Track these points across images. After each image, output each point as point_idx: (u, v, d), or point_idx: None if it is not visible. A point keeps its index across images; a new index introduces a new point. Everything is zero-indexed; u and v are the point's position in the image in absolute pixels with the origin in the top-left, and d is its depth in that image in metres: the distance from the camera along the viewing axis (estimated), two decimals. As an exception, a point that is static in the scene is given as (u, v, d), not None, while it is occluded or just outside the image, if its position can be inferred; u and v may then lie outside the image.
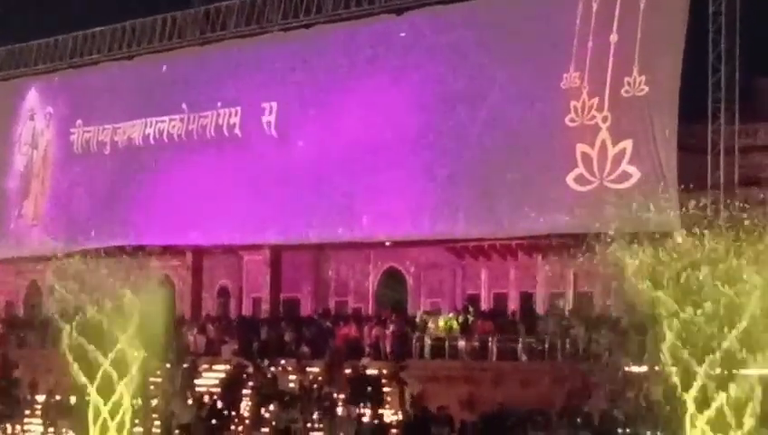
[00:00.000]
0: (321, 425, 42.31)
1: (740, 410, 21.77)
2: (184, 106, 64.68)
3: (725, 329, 21.77)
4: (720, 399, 21.68)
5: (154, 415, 43.72)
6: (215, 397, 49.29)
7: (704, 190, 47.80)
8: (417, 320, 54.06)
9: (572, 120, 51.55)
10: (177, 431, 42.93)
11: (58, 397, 46.80)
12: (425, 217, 54.84)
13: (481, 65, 53.56)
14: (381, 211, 55.57)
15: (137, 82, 66.92)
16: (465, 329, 51.05)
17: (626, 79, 50.54)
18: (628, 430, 33.72)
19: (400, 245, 59.36)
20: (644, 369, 31.31)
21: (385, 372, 48.20)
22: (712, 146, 49.08)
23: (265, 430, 43.61)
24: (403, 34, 56.76)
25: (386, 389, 46.87)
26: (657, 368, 24.30)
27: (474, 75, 53.56)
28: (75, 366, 32.68)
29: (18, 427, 50.29)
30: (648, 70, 49.83)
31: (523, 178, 51.80)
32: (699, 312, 21.98)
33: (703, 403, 21.61)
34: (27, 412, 50.96)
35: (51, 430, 48.03)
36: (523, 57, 52.74)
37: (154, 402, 42.94)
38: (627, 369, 36.58)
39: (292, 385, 48.97)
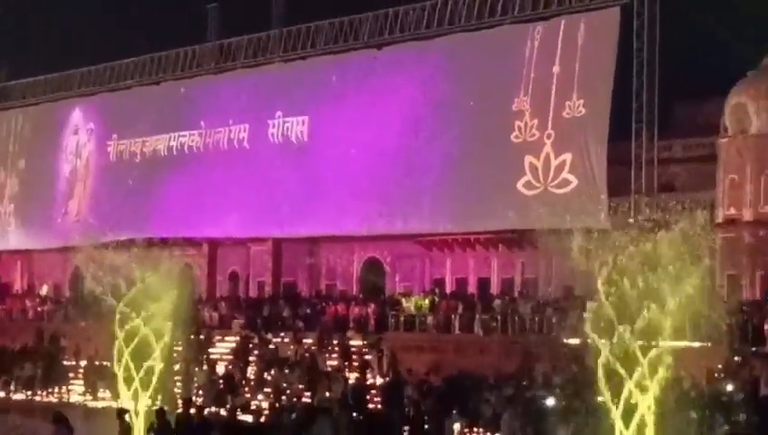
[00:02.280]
0: (315, 386, 42.21)
1: (653, 375, 21.87)
2: (202, 123, 64.85)
3: (645, 307, 21.85)
4: (642, 366, 21.74)
5: (176, 377, 43.65)
6: (226, 363, 49.33)
7: (628, 195, 48.26)
8: (393, 300, 54.24)
9: (516, 137, 51.93)
10: (194, 391, 42.85)
11: (97, 362, 46.63)
12: (398, 216, 55.15)
13: (446, 92, 53.71)
14: (363, 212, 55.80)
15: (162, 103, 66.93)
16: (432, 308, 51.16)
17: (567, 103, 50.82)
18: (566, 392, 33.65)
19: (379, 238, 59.45)
20: (578, 341, 31.34)
21: (366, 342, 48.27)
22: (635, 159, 49.44)
23: (268, 390, 43.48)
24: (380, 64, 57.10)
25: (367, 356, 46.90)
26: (588, 340, 24.31)
27: (440, 100, 53.73)
28: (119, 335, 32.69)
29: (64, 388, 50.14)
30: (586, 95, 50.06)
31: (480, 185, 52.11)
32: (621, 292, 22.03)
33: (629, 371, 21.65)
34: (71, 375, 50.77)
35: (90, 389, 47.90)
36: (480, 85, 52.93)
37: (176, 367, 42.82)
38: (563, 341, 36.62)
39: (289, 353, 48.93)
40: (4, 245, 77.51)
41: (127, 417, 29.13)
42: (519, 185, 51.63)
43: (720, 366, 36.96)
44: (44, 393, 50.24)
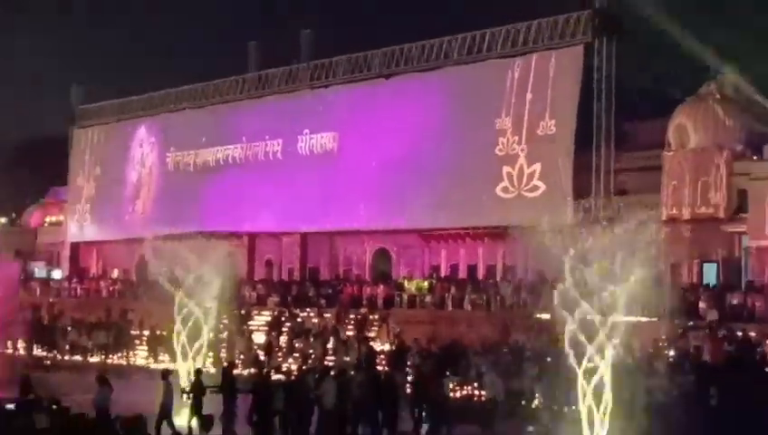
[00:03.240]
0: (337, 349, 42.35)
1: (609, 344, 22.03)
2: (243, 138, 64.93)
3: (603, 288, 21.98)
4: (600, 335, 21.89)
5: (222, 345, 43.80)
6: (262, 333, 49.44)
7: (590, 197, 48.40)
8: (398, 282, 54.34)
9: (500, 150, 52.17)
10: (236, 356, 42.97)
11: (157, 332, 46.79)
12: (403, 214, 55.32)
13: (443, 114, 53.89)
14: (374, 210, 56.00)
15: (211, 122, 66.97)
16: (430, 289, 51.26)
17: (540, 123, 51.13)
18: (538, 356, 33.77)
19: (386, 232, 59.52)
20: (548, 316, 31.42)
21: (376, 317, 48.32)
22: (595, 168, 49.51)
23: (296, 355, 43.62)
24: (388, 90, 57.31)
25: (376, 328, 47.02)
26: (557, 315, 24.41)
27: (438, 120, 53.86)
28: (176, 310, 32.86)
29: (131, 353, 50.34)
30: (556, 117, 50.33)
31: (469, 189, 52.38)
32: (584, 276, 22.16)
33: (589, 339, 21.79)
34: (137, 342, 50.95)
35: (152, 354, 48.07)
36: (470, 108, 53.12)
37: (223, 336, 42.98)
38: (536, 315, 36.69)
39: (314, 325, 49.04)
40: (82, 237, 77.78)
41: (170, 377, 29.33)
42: (498, 190, 52.12)
43: (664, 337, 37.07)
44: (115, 357, 50.53)
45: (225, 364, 31.59)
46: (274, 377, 32.80)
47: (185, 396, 28.87)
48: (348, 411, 28.95)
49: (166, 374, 29.68)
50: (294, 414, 28.14)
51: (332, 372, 30.83)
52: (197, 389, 28.51)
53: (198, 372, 29.77)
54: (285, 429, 27.51)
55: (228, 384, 29.38)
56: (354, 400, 29.43)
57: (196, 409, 28.01)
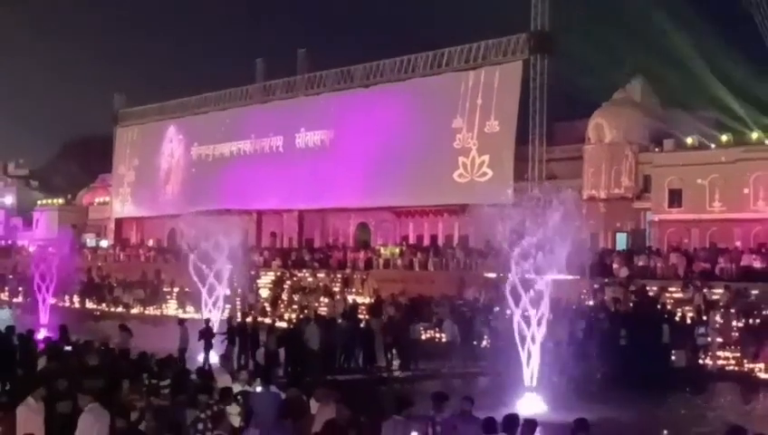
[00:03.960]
0: (327, 302, 42.37)
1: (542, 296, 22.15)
2: (252, 136, 64.90)
3: (537, 253, 22.06)
4: (534, 290, 22.00)
5: (237, 298, 43.73)
6: (268, 289, 49.49)
7: (526, 181, 48.48)
8: (376, 249, 54.44)
9: (457, 144, 52.29)
10: (248, 308, 42.88)
11: (186, 289, 46.66)
12: (380, 195, 55.37)
13: (412, 116, 53.84)
14: (357, 192, 56.00)
15: (226, 122, 66.76)
16: (401, 254, 51.33)
17: (487, 122, 51.21)
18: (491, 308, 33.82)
19: (366, 209, 59.58)
20: (494, 274, 31.53)
21: (358, 276, 48.40)
22: (531, 158, 49.65)
23: (295, 307, 43.61)
24: (367, 97, 57.27)
25: (360, 285, 47.11)
26: (500, 274, 24.48)
27: (408, 121, 53.80)
28: (193, 273, 32.73)
29: (164, 305, 50.25)
30: (500, 118, 50.53)
31: (432, 175, 52.42)
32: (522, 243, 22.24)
33: (526, 292, 21.88)
34: (168, 297, 50.87)
35: (180, 307, 47.98)
36: (433, 111, 53.21)
37: (237, 291, 42.89)
38: (484, 274, 36.74)
39: (309, 283, 49.14)
40: (124, 214, 77.88)
41: (185, 324, 29.38)
42: (455, 176, 52.27)
43: (585, 291, 37.27)
44: (150, 309, 50.52)
45: (228, 316, 31.45)
46: (278, 324, 32.88)
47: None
48: (329, 351, 29.05)
49: (182, 322, 29.78)
50: (285, 353, 28.23)
51: (313, 319, 31.09)
52: (207, 334, 28.49)
53: (207, 321, 29.76)
54: (275, 365, 26.98)
55: (230, 331, 29.49)
56: (337, 342, 29.59)
57: (206, 349, 27.96)
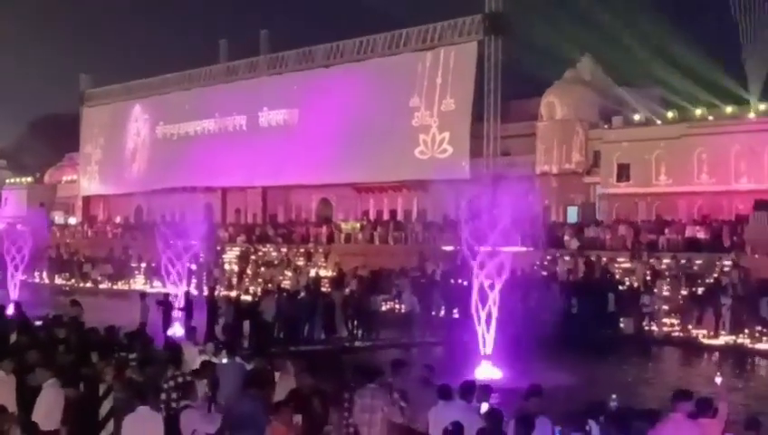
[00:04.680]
0: (290, 276, 42.38)
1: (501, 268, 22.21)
2: (216, 115, 64.55)
3: (494, 226, 22.14)
4: (493, 262, 22.05)
5: (203, 272, 43.43)
6: (233, 263, 49.39)
7: (482, 157, 48.70)
8: (337, 224, 54.44)
9: (415, 123, 52.45)
10: (213, 281, 42.71)
11: (152, 264, 46.36)
12: (341, 172, 55.26)
13: (372, 95, 53.83)
14: (319, 169, 55.81)
15: (191, 102, 66.18)
16: (362, 228, 51.40)
17: (444, 101, 51.45)
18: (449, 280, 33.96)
19: (328, 185, 59.34)
20: (451, 248, 31.63)
21: (321, 250, 48.43)
22: (486, 135, 49.86)
23: (260, 280, 43.59)
24: (328, 77, 57.07)
25: (323, 259, 47.16)
26: (458, 248, 24.49)
27: (367, 100, 53.74)
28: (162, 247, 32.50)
29: (131, 280, 49.94)
30: (456, 97, 50.81)
31: (393, 152, 52.52)
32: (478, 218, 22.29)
33: (482, 265, 21.95)
34: (136, 272, 50.57)
35: (147, 281, 47.72)
36: (393, 90, 53.32)
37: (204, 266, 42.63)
38: (442, 248, 36.81)
39: (273, 255, 49.12)
40: (91, 191, 77.13)
41: (146, 298, 29.23)
42: (416, 152, 52.38)
43: (538, 262, 37.53)
44: (119, 284, 50.21)
45: (186, 290, 31.24)
46: (243, 297, 32.80)
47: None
48: (292, 323, 29.00)
49: (143, 296, 29.63)
50: (249, 325, 28.20)
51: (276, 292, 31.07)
52: (166, 307, 28.36)
53: (166, 295, 29.68)
54: (234, 337, 26.79)
55: (187, 304, 29.40)
56: (300, 314, 29.58)
57: (165, 322, 27.83)
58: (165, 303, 28.46)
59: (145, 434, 10.75)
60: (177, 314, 28.68)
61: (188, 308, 28.96)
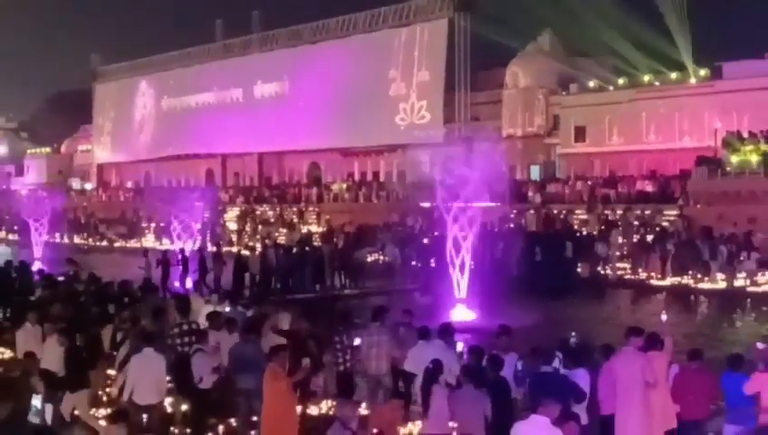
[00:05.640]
0: (285, 232, 42.28)
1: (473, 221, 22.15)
2: (214, 88, 64.16)
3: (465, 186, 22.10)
4: (465, 216, 22.04)
5: (206, 230, 43.12)
6: (233, 222, 49.28)
7: (454, 123, 48.57)
8: (326, 185, 54.43)
9: (393, 93, 52.35)
10: (216, 238, 42.47)
11: (161, 224, 45.89)
12: (329, 136, 55.00)
13: (355, 68, 53.54)
14: (309, 135, 55.58)
15: (192, 77, 65.61)
16: (348, 189, 51.39)
17: (419, 73, 51.48)
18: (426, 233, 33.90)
19: (317, 151, 59.12)
20: (429, 204, 31.52)
21: (312, 209, 48.42)
22: (458, 103, 49.81)
23: (258, 236, 43.42)
24: (315, 52, 56.66)
25: (314, 217, 47.18)
26: (434, 203, 24.34)
27: (352, 73, 53.49)
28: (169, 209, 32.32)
29: (142, 239, 49.35)
30: (430, 69, 51.02)
31: (375, 119, 52.35)
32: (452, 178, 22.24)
33: (456, 219, 21.91)
34: (147, 231, 50.09)
35: (158, 240, 47.42)
36: (373, 64, 53.13)
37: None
38: (420, 204, 36.56)
39: (270, 214, 49.06)
40: (104, 159, 76.83)
41: (149, 255, 28.98)
42: (397, 119, 52.35)
43: (514, 214, 37.67)
44: (131, 242, 49.95)
45: (181, 247, 30.75)
46: (243, 252, 32.72)
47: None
48: (288, 274, 28.98)
49: (145, 253, 29.42)
50: (250, 277, 28.21)
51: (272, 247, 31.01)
52: (165, 263, 28.19)
53: (164, 252, 29.47)
54: (236, 288, 26.50)
55: (183, 260, 28.96)
56: (294, 266, 29.53)
57: (164, 277, 27.57)
58: (163, 260, 28.27)
59: (149, 370, 10.85)
60: (175, 269, 28.46)
61: (184, 264, 28.76)
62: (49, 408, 7.67)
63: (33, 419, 6.91)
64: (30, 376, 10.17)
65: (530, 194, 41.94)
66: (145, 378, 10.76)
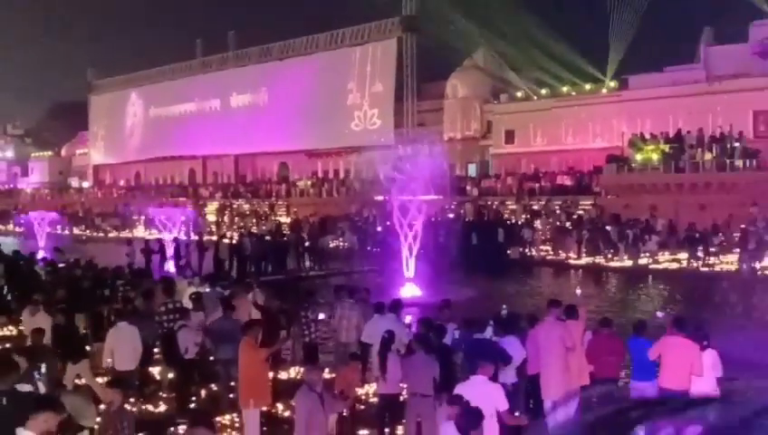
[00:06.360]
0: (258, 223, 41.98)
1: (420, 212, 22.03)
2: (196, 99, 63.29)
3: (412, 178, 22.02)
4: (413, 207, 21.94)
5: (189, 222, 42.57)
6: (213, 215, 48.81)
7: (403, 127, 48.52)
8: (293, 182, 54.09)
9: (350, 102, 52.07)
10: (200, 230, 41.95)
11: (150, 217, 45.15)
12: (295, 140, 54.62)
13: (318, 81, 53.25)
14: (278, 139, 55.23)
15: (176, 89, 64.67)
16: (313, 185, 51.20)
17: (373, 85, 51.19)
18: (379, 222, 33.71)
19: (285, 152, 58.66)
20: (381, 198, 31.36)
21: (281, 202, 48.13)
22: (406, 111, 49.78)
23: (235, 227, 42.92)
24: (283, 67, 56.15)
25: (283, 209, 46.90)
26: (386, 197, 24.17)
27: (314, 86, 53.30)
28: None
29: (133, 229, 48.38)
30: (382, 81, 50.76)
31: (335, 126, 52.10)
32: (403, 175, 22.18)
33: (405, 210, 21.85)
34: (137, 223, 48.92)
35: (147, 230, 46.64)
36: (334, 77, 52.84)
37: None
38: (375, 198, 36.22)
39: (245, 208, 48.65)
40: (99, 161, 75.33)
41: (132, 244, 28.58)
42: (352, 126, 52.06)
43: (446, 207, 37.30)
44: (124, 232, 49.13)
45: (159, 238, 30.27)
46: (224, 240, 32.38)
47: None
48: (261, 259, 28.79)
49: (129, 242, 28.99)
50: (228, 262, 27.95)
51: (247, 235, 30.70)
52: (147, 252, 27.83)
53: (147, 241, 29.18)
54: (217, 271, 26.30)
55: (161, 249, 28.62)
56: (266, 252, 29.33)
57: (146, 263, 27.15)
58: (146, 249, 27.91)
59: (124, 341, 10.74)
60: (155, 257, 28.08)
61: (162, 251, 28.42)
62: (40, 378, 7.52)
63: (25, 388, 6.76)
64: (39, 349, 9.96)
65: (468, 188, 42.17)
66: (121, 348, 10.68)
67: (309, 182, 52.29)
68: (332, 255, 31.76)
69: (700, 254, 27.21)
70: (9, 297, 17.45)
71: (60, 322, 11.53)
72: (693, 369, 8.94)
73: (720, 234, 27.91)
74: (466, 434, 5.33)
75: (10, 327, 15.48)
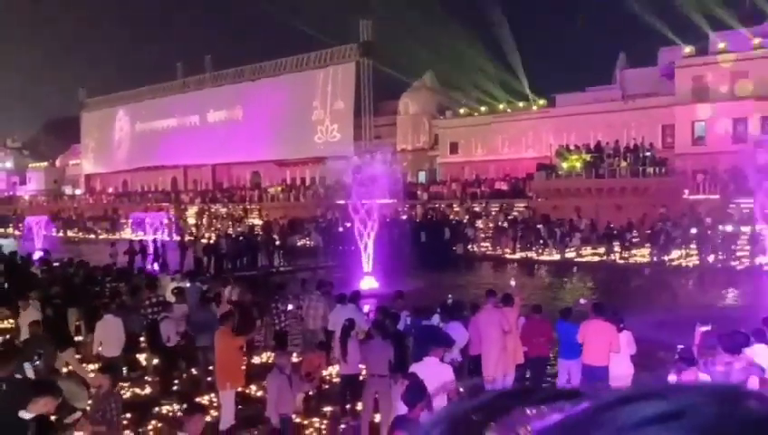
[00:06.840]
0: (233, 225, 41.39)
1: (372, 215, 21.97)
2: (177, 115, 62.17)
3: (370, 184, 21.99)
4: (373, 211, 21.89)
5: (172, 225, 42.00)
6: (194, 219, 48.05)
7: (362, 141, 48.39)
8: (265, 190, 53.56)
9: (314, 118, 51.70)
10: (182, 231, 41.32)
11: (138, 220, 44.38)
12: (266, 151, 54.10)
13: (286, 100, 52.60)
14: (251, 151, 54.60)
15: (159, 107, 63.46)
16: (282, 191, 50.75)
17: (334, 103, 50.84)
18: (341, 223, 33.56)
19: (258, 162, 57.93)
20: (343, 202, 31.22)
21: (254, 207, 47.58)
22: (364, 126, 49.47)
23: (213, 228, 42.31)
24: (255, 87, 55.57)
25: (255, 213, 46.31)
26: (347, 201, 24.05)
27: (285, 102, 52.61)
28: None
29: (121, 232, 47.53)
30: (343, 99, 50.38)
31: (301, 138, 51.56)
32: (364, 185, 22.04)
33: (365, 212, 21.80)
34: (125, 227, 48.24)
35: (134, 232, 45.80)
36: (301, 95, 52.27)
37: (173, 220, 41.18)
38: (337, 202, 36.09)
39: (222, 211, 47.99)
40: (91, 171, 73.42)
41: (116, 245, 28.01)
42: (315, 138, 51.70)
43: (399, 209, 37.19)
44: (113, 234, 48.09)
45: (141, 240, 29.66)
46: (202, 241, 31.90)
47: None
48: (236, 257, 28.48)
49: (113, 243, 28.44)
50: (207, 259, 27.57)
51: (224, 236, 30.26)
52: (131, 253, 27.32)
53: (131, 242, 28.59)
54: (197, 267, 25.87)
55: (142, 249, 28.21)
56: (241, 250, 29.00)
57: (130, 262, 26.61)
58: (130, 250, 27.40)
59: (110, 331, 10.63)
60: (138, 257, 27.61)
61: (142, 252, 27.96)
62: (29, 366, 7.33)
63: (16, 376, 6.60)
64: (37, 338, 9.68)
65: (418, 193, 42.29)
66: (108, 337, 10.57)
67: (279, 188, 51.87)
68: (300, 252, 31.51)
69: (617, 248, 27.75)
70: (9, 294, 16.95)
71: (49, 314, 11.27)
72: (611, 347, 9.10)
73: (634, 231, 28.49)
74: (413, 407, 5.35)
75: (11, 320, 15.04)
